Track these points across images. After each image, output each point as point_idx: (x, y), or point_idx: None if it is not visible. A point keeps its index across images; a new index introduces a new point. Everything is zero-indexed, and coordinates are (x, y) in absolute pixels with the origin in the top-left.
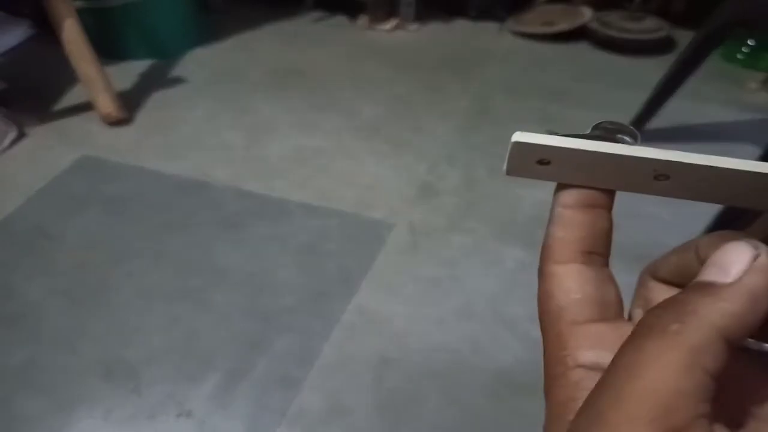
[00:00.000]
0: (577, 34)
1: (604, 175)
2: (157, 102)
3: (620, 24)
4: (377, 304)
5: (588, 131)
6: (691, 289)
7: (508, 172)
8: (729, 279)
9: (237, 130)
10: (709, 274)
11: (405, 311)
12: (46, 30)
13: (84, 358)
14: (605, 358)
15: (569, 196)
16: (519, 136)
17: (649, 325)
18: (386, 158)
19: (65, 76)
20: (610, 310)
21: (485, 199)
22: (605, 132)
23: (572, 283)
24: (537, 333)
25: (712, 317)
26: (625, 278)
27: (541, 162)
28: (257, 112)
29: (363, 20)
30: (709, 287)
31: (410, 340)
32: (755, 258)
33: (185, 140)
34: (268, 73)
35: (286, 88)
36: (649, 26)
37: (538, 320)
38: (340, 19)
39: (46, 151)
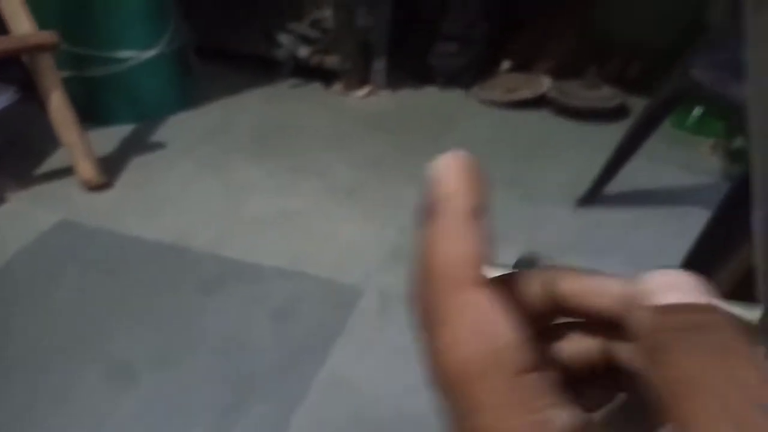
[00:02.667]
0: (539, 102)
1: None
2: (138, 165)
3: (578, 92)
4: (348, 370)
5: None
6: None
7: None
8: None
9: (216, 192)
10: None
11: (375, 377)
12: (32, 93)
13: (54, 429)
14: None
15: None
16: None
17: None
18: (360, 221)
19: (48, 139)
20: None
21: None
22: (522, 268)
23: None
24: None
25: None
26: None
27: None
28: (236, 175)
29: (338, 86)
30: None
31: (380, 406)
32: None
33: (164, 203)
34: (247, 136)
35: (265, 151)
36: (605, 94)
37: None
38: (316, 86)
39: (27, 215)
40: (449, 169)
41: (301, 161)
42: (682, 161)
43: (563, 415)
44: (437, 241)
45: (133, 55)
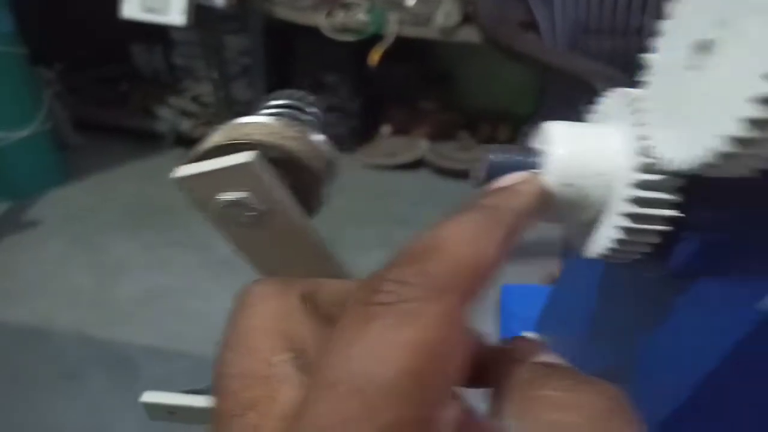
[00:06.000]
0: (418, 164)
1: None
2: (6, 246)
3: (452, 154)
4: None
5: None
6: None
7: (151, 419)
8: None
9: (88, 271)
10: None
11: None
12: None
13: None
14: None
15: None
16: (146, 397)
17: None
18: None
19: None
20: None
21: None
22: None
23: None
24: None
25: None
26: None
27: (170, 412)
28: (112, 252)
29: None
30: None
31: None
32: None
33: (30, 285)
34: (126, 211)
35: (144, 225)
36: (477, 155)
37: None
38: None
39: None
40: (526, 181)
41: (180, 235)
42: None
43: None
44: (466, 233)
45: (3, 136)
